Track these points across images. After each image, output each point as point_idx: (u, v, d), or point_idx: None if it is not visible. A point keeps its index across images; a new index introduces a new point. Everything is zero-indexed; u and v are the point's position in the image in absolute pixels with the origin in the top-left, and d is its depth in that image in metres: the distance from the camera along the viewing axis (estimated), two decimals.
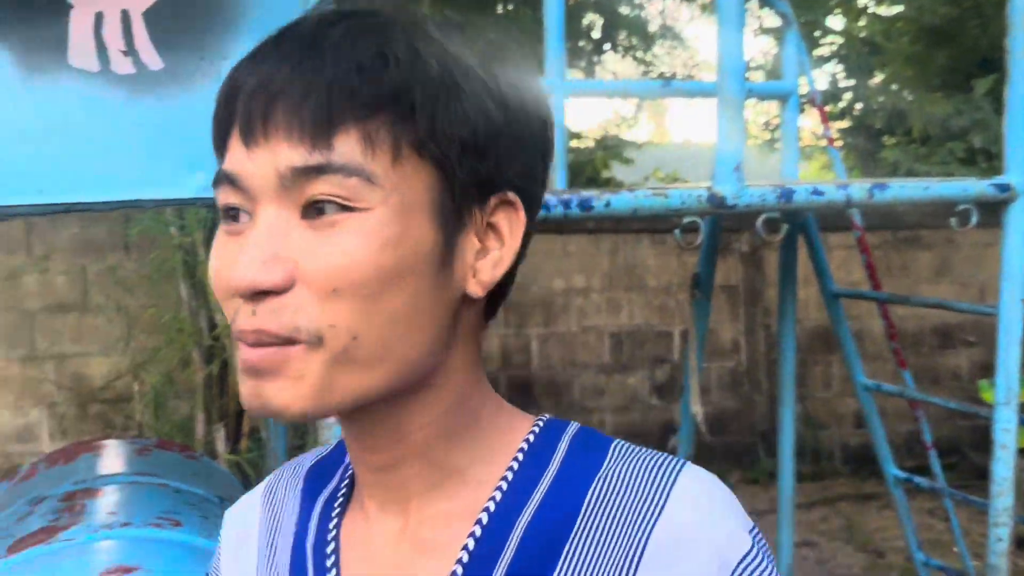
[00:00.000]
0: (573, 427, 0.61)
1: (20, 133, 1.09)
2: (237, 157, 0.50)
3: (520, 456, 0.57)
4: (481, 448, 0.57)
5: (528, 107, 0.54)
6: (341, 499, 0.62)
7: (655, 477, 0.55)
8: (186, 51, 1.19)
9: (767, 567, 0.54)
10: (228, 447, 3.58)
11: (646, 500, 0.54)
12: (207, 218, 3.53)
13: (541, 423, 0.60)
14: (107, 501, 1.61)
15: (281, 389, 0.49)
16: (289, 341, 0.48)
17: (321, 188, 0.48)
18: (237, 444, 3.55)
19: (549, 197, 1.45)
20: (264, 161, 0.49)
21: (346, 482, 0.63)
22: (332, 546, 0.60)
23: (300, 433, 3.23)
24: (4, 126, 1.09)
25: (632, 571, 0.52)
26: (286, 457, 2.61)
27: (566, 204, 1.43)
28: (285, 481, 0.68)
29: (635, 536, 0.52)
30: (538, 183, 0.56)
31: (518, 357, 5.00)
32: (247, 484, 3.36)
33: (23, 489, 1.81)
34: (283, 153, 0.48)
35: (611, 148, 6.40)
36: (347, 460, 0.63)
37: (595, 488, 0.55)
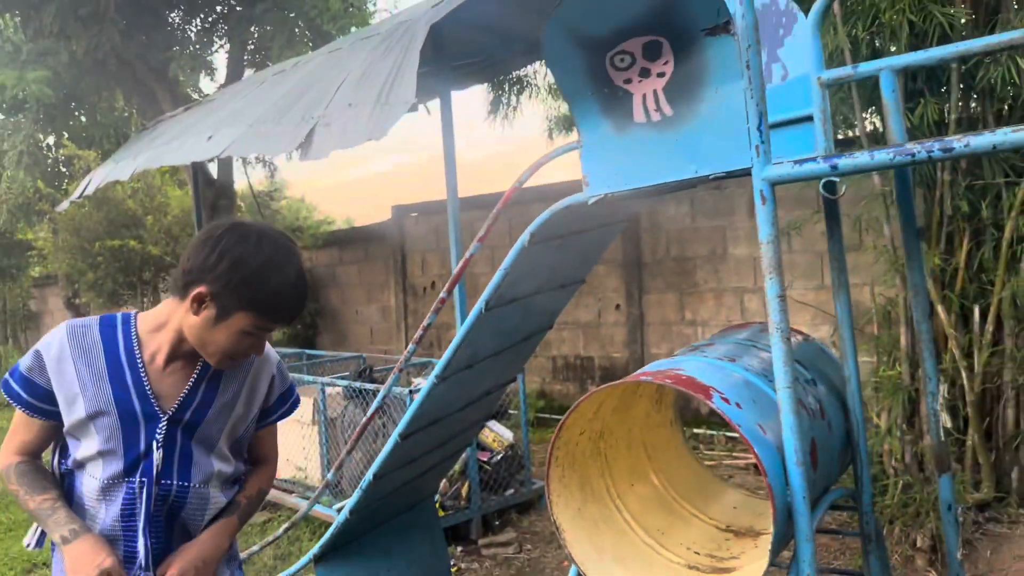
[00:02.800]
0: None
1: (616, 160, 2.36)
2: (273, 327, 1.69)
3: None
4: None
5: None
6: (130, 344, 1.73)
7: None
8: (682, 102, 2.25)
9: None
10: None
11: None
12: None
13: None
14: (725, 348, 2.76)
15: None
16: None
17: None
18: None
19: (913, 147, 1.94)
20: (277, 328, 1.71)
21: (127, 338, 1.74)
22: (138, 359, 1.71)
23: None
24: (618, 159, 2.37)
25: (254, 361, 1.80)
26: None
27: (929, 150, 1.88)
28: (82, 329, 1.72)
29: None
30: None
31: None
32: None
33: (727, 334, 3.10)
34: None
35: None
36: (125, 327, 1.74)
37: None
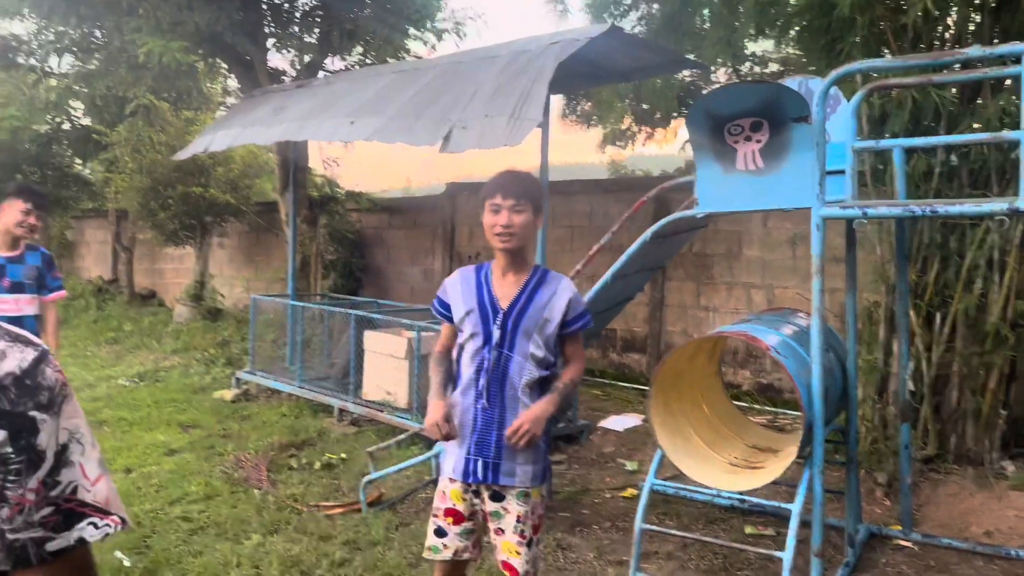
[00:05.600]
0: (543, 268, 2.83)
1: (721, 191, 3.54)
2: (498, 199, 2.68)
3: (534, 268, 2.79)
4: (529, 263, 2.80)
5: None
6: (487, 273, 2.80)
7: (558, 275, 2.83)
8: (771, 160, 3.44)
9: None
10: None
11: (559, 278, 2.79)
12: None
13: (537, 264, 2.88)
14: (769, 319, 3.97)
15: None
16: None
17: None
18: None
19: (915, 206, 3.13)
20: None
21: (486, 270, 2.81)
22: (489, 279, 2.80)
23: None
24: (722, 190, 3.56)
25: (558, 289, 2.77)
26: None
27: (924, 210, 3.08)
28: (464, 270, 2.84)
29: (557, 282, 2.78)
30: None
31: None
32: None
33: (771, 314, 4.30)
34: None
35: None
36: (486, 267, 2.83)
37: (547, 275, 2.79)
